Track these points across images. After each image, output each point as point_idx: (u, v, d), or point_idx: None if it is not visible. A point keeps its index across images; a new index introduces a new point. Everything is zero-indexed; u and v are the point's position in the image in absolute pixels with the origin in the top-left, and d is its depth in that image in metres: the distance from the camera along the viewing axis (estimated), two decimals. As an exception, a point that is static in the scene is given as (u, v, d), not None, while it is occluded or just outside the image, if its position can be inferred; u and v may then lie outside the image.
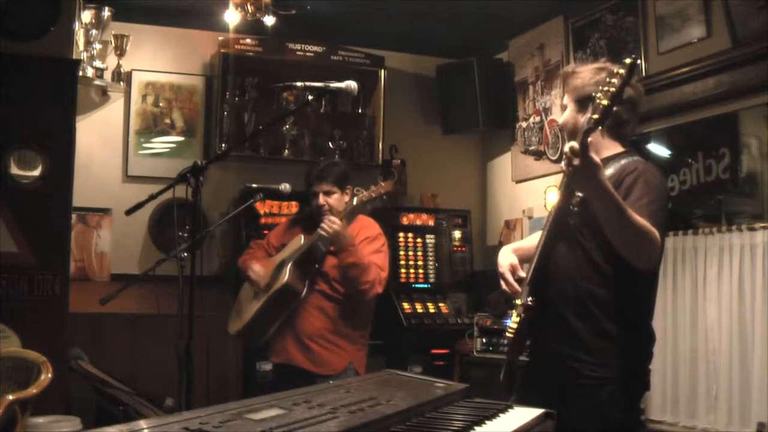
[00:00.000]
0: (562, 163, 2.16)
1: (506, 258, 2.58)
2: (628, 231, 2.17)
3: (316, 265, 3.58)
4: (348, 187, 3.63)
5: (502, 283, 2.54)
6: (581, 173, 2.10)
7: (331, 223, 3.42)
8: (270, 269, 3.64)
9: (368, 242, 3.58)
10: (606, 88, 2.06)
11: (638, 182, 2.28)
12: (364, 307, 3.66)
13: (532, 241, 2.72)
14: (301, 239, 3.63)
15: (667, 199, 2.38)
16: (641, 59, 4.32)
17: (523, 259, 2.59)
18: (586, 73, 2.42)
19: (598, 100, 2.06)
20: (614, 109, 2.10)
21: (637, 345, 2.35)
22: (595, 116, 2.06)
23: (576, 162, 2.08)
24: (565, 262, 2.37)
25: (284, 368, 3.60)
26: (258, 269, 3.65)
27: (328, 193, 3.60)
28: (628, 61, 2.09)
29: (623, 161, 2.38)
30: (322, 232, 3.44)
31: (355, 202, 3.45)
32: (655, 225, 2.20)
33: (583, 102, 2.36)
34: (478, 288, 5.44)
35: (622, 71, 2.06)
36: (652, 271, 2.34)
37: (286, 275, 3.50)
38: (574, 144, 2.07)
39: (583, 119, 2.12)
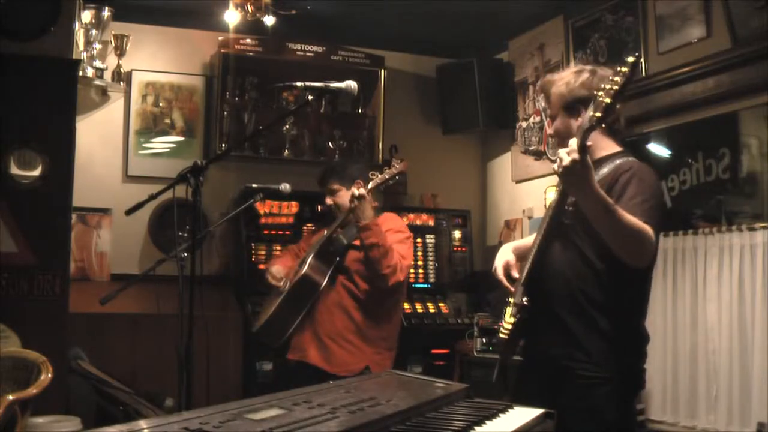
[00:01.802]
0: (554, 166, 2.16)
1: (502, 256, 2.61)
2: (618, 230, 2.18)
3: (338, 258, 3.57)
4: (357, 181, 3.61)
5: (495, 279, 2.57)
6: (573, 173, 2.11)
7: (361, 198, 3.38)
8: (293, 268, 3.65)
9: (392, 232, 3.56)
10: (608, 87, 2.04)
11: (632, 181, 2.29)
12: (387, 309, 3.63)
13: (532, 239, 2.73)
14: (324, 233, 3.64)
15: (662, 198, 2.39)
16: (641, 59, 4.31)
17: (522, 258, 2.60)
18: (568, 78, 2.42)
19: (600, 98, 2.05)
20: (617, 107, 2.10)
21: (631, 344, 2.36)
22: (598, 114, 2.05)
23: (572, 158, 2.07)
24: (560, 261, 2.37)
25: (300, 366, 3.57)
26: (274, 270, 3.67)
27: (333, 192, 3.65)
28: (630, 59, 2.07)
29: (618, 161, 2.39)
30: (332, 205, 3.44)
31: (370, 186, 3.44)
32: (649, 223, 2.21)
33: (572, 106, 2.39)
34: (478, 288, 5.44)
35: (624, 69, 2.05)
36: (646, 269, 2.35)
37: (305, 267, 3.50)
38: (573, 143, 2.08)
39: (584, 117, 2.11)
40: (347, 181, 3.63)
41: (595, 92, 2.10)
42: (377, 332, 3.59)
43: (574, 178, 2.14)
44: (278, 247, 4.92)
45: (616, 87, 2.03)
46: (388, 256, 3.42)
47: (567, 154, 2.10)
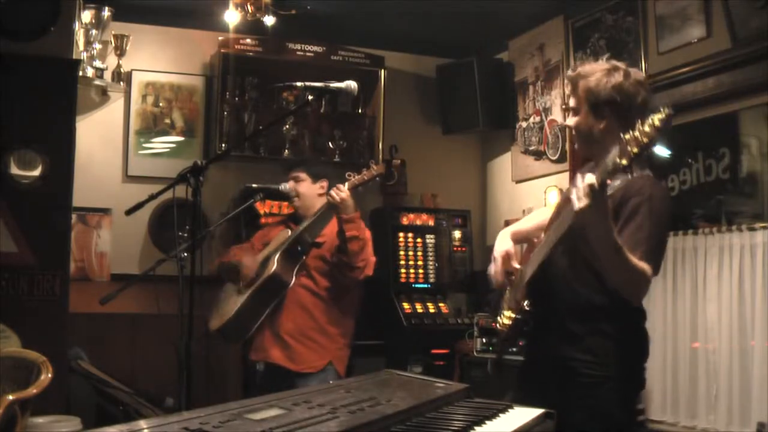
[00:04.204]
0: (579, 194, 2.04)
1: (502, 245, 2.60)
2: (621, 270, 2.16)
3: (303, 257, 3.58)
4: (323, 180, 3.70)
5: (491, 267, 2.57)
6: (591, 212, 2.04)
7: (339, 191, 3.41)
8: (256, 264, 3.64)
9: None
10: (637, 135, 1.92)
11: (642, 210, 2.23)
12: (346, 305, 3.67)
13: (530, 221, 2.75)
14: (288, 233, 3.64)
15: (668, 230, 2.34)
16: (641, 59, 4.32)
17: (522, 242, 2.62)
18: (599, 75, 2.34)
19: (628, 147, 1.92)
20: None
21: (633, 343, 2.36)
22: (624, 162, 1.94)
23: (589, 201, 2.01)
24: (565, 264, 2.37)
25: (264, 366, 3.62)
26: (248, 261, 3.66)
27: (297, 179, 3.69)
28: (662, 115, 1.92)
29: (630, 175, 2.32)
30: (330, 199, 3.44)
31: (347, 186, 3.45)
32: (649, 260, 2.18)
33: (598, 107, 2.32)
34: (478, 288, 5.44)
35: (657, 123, 1.91)
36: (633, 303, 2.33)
37: (274, 265, 3.50)
38: (594, 182, 2.00)
39: (608, 160, 1.99)
40: (313, 175, 3.70)
41: (622, 135, 1.95)
42: (337, 328, 3.63)
43: (590, 217, 2.08)
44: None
45: (645, 139, 1.90)
46: (365, 249, 3.50)
47: (584, 195, 2.02)
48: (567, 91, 2.54)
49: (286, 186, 3.87)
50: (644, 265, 2.17)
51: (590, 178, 2.02)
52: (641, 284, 2.20)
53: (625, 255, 2.13)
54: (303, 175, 3.70)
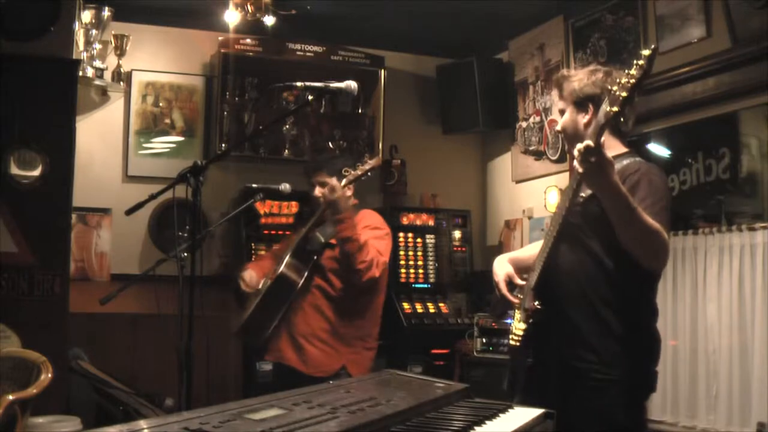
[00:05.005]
0: (575, 162, 2.11)
1: (502, 269, 2.58)
2: (639, 230, 2.16)
3: (315, 257, 3.53)
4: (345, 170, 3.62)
5: (498, 292, 2.55)
6: (595, 171, 2.07)
7: (329, 193, 3.33)
8: (270, 269, 3.64)
9: (370, 229, 3.51)
10: (624, 80, 1.99)
11: (642, 183, 2.27)
12: (363, 307, 3.57)
13: (528, 251, 2.72)
14: (301, 233, 3.63)
15: (670, 199, 2.37)
16: (641, 59, 4.31)
17: (520, 269, 2.58)
18: (582, 75, 2.42)
19: (616, 93, 1.99)
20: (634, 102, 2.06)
21: (643, 346, 2.33)
22: (615, 109, 1.99)
23: (591, 159, 2.04)
24: (569, 262, 2.35)
25: (277, 367, 3.59)
26: (246, 276, 3.63)
27: (323, 184, 3.61)
28: (646, 52, 2.01)
29: (625, 161, 2.37)
30: (320, 197, 3.39)
31: (344, 182, 3.40)
32: (661, 225, 2.19)
33: (583, 103, 2.38)
34: (478, 288, 5.44)
35: (641, 62, 1.99)
36: (660, 270, 2.33)
37: (281, 266, 3.48)
38: (590, 142, 2.04)
39: (599, 113, 2.06)
40: (335, 174, 3.56)
41: (609, 87, 2.05)
42: (352, 331, 3.51)
43: (594, 175, 2.10)
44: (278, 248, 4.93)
45: (633, 81, 1.98)
46: (363, 251, 3.37)
47: (584, 153, 2.05)
48: (555, 97, 2.55)
49: (287, 186, 3.85)
50: (658, 225, 2.17)
51: (585, 141, 2.05)
52: (661, 244, 2.20)
53: (641, 213, 2.14)
54: (327, 179, 3.53)
